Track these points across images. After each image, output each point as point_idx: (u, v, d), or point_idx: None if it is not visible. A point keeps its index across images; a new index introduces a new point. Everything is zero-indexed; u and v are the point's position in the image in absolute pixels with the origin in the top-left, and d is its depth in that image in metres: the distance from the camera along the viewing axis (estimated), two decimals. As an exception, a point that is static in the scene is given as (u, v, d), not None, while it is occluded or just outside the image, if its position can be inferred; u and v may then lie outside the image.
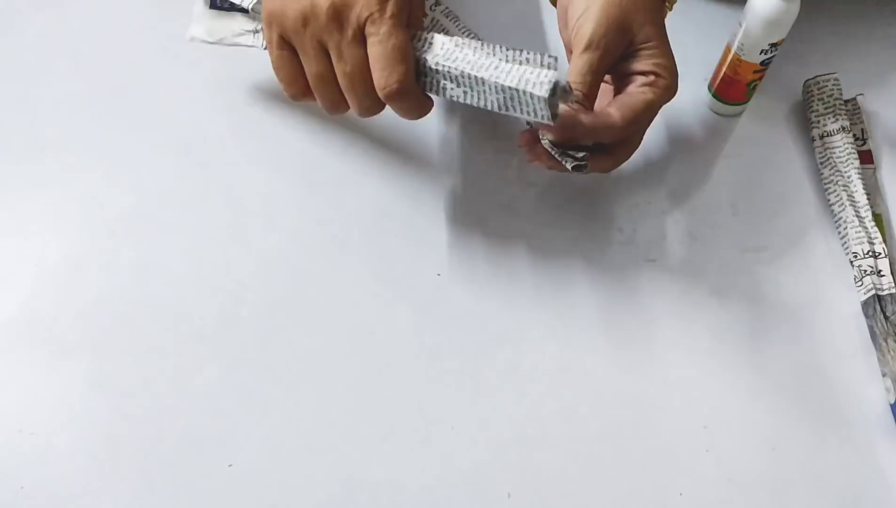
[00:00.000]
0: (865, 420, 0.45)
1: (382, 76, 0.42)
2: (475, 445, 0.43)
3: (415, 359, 0.46)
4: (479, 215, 0.51)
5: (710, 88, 0.55)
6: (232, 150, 0.52)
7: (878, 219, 0.51)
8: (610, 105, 0.45)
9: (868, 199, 0.51)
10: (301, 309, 0.47)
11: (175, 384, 0.44)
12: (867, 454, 0.44)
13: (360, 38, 0.42)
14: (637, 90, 0.45)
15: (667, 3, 0.49)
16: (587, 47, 0.44)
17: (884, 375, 0.46)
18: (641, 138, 0.48)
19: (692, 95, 0.56)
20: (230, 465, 0.42)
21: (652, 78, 0.45)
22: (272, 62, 0.46)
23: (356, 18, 0.42)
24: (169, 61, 0.55)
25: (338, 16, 0.42)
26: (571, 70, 0.45)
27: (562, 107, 0.43)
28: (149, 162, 0.52)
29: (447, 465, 0.43)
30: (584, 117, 0.44)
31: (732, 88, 0.53)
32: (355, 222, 0.50)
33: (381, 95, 0.43)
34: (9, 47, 0.56)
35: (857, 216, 0.50)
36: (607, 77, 0.47)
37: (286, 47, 0.45)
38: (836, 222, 0.51)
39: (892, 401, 0.45)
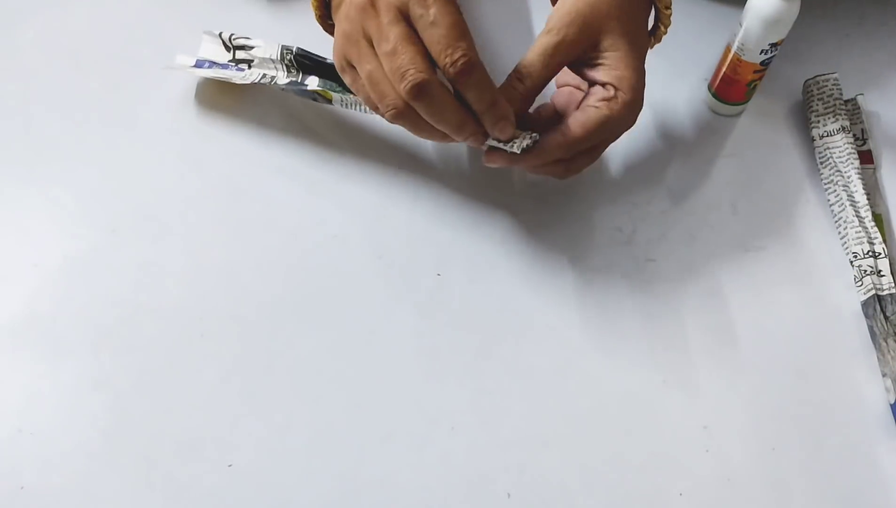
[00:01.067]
0: (865, 420, 0.45)
1: (447, 54, 0.40)
2: (475, 445, 0.43)
3: (415, 359, 0.46)
4: (479, 215, 0.51)
5: (710, 88, 0.55)
6: (231, 149, 0.52)
7: (878, 219, 0.51)
8: (569, 118, 0.44)
9: (868, 199, 0.51)
10: (301, 309, 0.47)
11: (175, 384, 0.44)
12: (867, 454, 0.44)
13: (400, 18, 0.41)
14: (594, 105, 0.44)
15: (658, 31, 0.48)
16: (547, 32, 0.44)
17: (884, 375, 0.46)
18: (601, 152, 0.47)
19: (692, 95, 0.56)
20: (230, 465, 0.42)
21: (611, 92, 0.44)
22: (361, 98, 0.45)
23: (395, 3, 0.40)
24: (169, 61, 0.55)
25: (374, 4, 0.41)
26: (528, 51, 0.44)
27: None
28: (148, 162, 0.52)
29: (447, 465, 0.43)
30: (542, 140, 0.44)
31: (732, 87, 0.53)
32: (355, 222, 0.50)
33: (450, 73, 0.40)
34: (9, 47, 0.56)
35: (857, 216, 0.50)
36: (579, 83, 0.47)
37: (353, 71, 0.44)
38: (836, 222, 0.51)
39: (892, 401, 0.45)
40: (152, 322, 0.46)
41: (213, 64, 0.53)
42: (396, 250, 0.49)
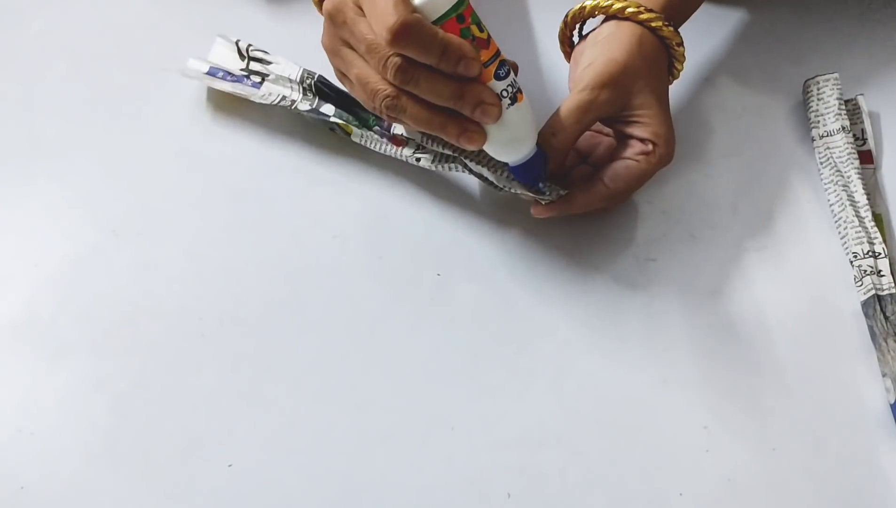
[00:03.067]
0: (865, 420, 0.45)
1: (381, 21, 0.39)
2: (475, 445, 0.43)
3: (415, 359, 0.46)
4: (479, 215, 0.51)
5: None
6: (232, 150, 0.52)
7: (878, 219, 0.51)
8: (603, 174, 0.47)
9: (868, 199, 0.51)
10: (301, 309, 0.47)
11: (175, 384, 0.44)
12: (867, 454, 0.44)
13: (361, 15, 0.42)
14: (632, 159, 0.47)
15: (674, 70, 0.50)
16: (581, 90, 0.46)
17: (884, 375, 0.46)
18: (629, 197, 0.50)
19: (691, 96, 0.56)
20: (230, 465, 0.42)
21: (649, 147, 0.47)
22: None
23: (351, 2, 0.42)
24: (169, 61, 0.55)
25: (337, 10, 0.42)
26: (562, 106, 0.46)
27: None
28: (148, 162, 0.52)
29: (447, 465, 0.43)
30: (579, 194, 0.47)
31: None
32: (355, 222, 0.50)
33: (388, 39, 0.39)
34: (9, 47, 0.56)
35: (857, 216, 0.50)
36: (600, 127, 0.50)
37: (347, 80, 0.45)
38: (836, 222, 0.51)
39: (892, 401, 0.45)
40: (152, 322, 0.46)
41: (226, 74, 0.52)
42: (396, 250, 0.49)
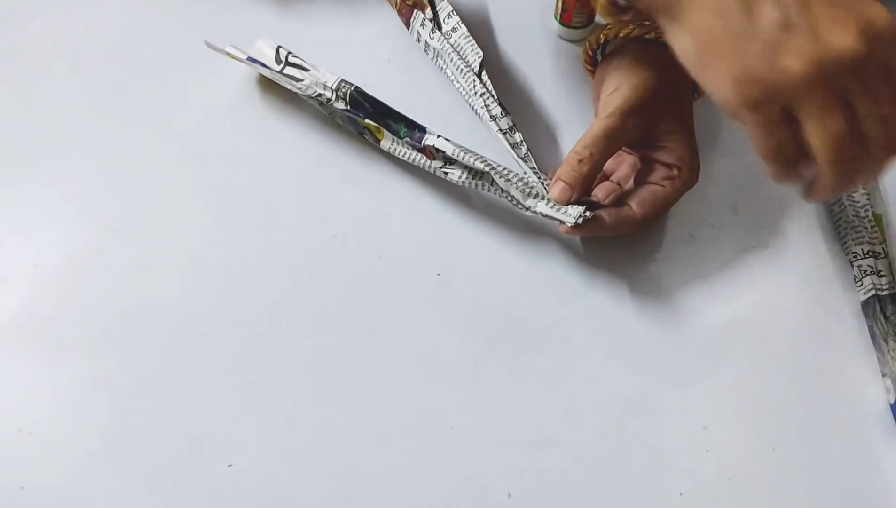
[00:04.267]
0: (865, 420, 0.45)
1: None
2: (475, 445, 0.43)
3: (415, 359, 0.46)
4: (479, 215, 0.51)
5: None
6: (232, 150, 0.52)
7: (878, 219, 0.51)
8: (631, 199, 0.47)
9: (868, 199, 0.51)
10: (301, 309, 0.47)
11: (175, 384, 0.44)
12: (867, 454, 0.44)
13: (893, 74, 0.34)
14: (657, 184, 0.47)
15: (696, 95, 0.50)
16: (608, 115, 0.46)
17: (884, 375, 0.46)
18: (657, 222, 0.50)
19: (692, 95, 0.56)
20: (230, 465, 0.42)
21: (675, 172, 0.47)
22: (765, 147, 0.36)
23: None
24: (169, 61, 0.55)
25: (871, 52, 0.33)
26: (589, 132, 0.46)
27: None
28: (148, 162, 0.52)
29: (447, 465, 0.43)
30: (606, 216, 0.46)
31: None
32: (355, 222, 0.50)
33: (879, 157, 0.35)
34: (9, 47, 0.56)
35: (857, 216, 0.50)
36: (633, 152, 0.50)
37: (784, 123, 0.35)
38: (836, 222, 0.51)
39: (892, 401, 0.45)
40: (152, 322, 0.46)
41: (264, 67, 0.52)
42: (396, 250, 0.49)
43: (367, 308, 0.47)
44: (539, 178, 0.48)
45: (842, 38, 0.33)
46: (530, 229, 0.50)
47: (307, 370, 0.45)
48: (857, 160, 0.35)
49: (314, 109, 0.54)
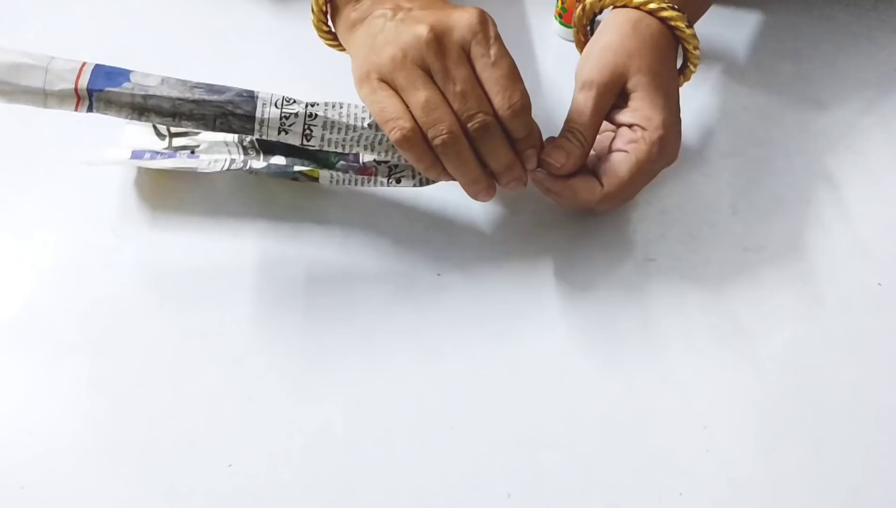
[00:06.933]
0: (865, 420, 0.45)
1: (505, 95, 0.42)
2: (475, 445, 0.43)
3: (414, 359, 0.46)
4: (479, 215, 0.51)
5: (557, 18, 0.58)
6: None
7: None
8: (600, 168, 0.46)
9: None
10: (301, 309, 0.47)
11: (175, 385, 0.44)
12: (867, 454, 0.44)
13: (465, 59, 0.42)
14: (622, 149, 0.45)
15: (687, 70, 0.49)
16: (581, 87, 0.46)
17: (884, 375, 0.46)
18: (637, 191, 0.48)
19: (691, 94, 0.56)
20: (230, 465, 0.42)
21: (639, 133, 0.45)
22: (375, 110, 0.43)
23: (459, 40, 0.42)
24: (168, 61, 0.55)
25: (440, 39, 0.42)
26: (570, 108, 0.46)
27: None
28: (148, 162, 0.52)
29: (447, 465, 0.43)
30: (576, 187, 0.46)
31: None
32: (355, 222, 0.50)
33: (507, 113, 0.42)
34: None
35: None
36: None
37: (387, 88, 0.43)
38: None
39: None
40: (152, 322, 0.46)
41: (154, 154, 0.48)
42: (396, 250, 0.49)
43: (366, 308, 0.47)
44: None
45: (418, 29, 0.42)
46: (530, 229, 0.50)
47: (307, 369, 0.45)
48: (453, 133, 0.42)
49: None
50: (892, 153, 0.55)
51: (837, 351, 0.47)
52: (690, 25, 0.47)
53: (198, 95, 0.43)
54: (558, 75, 0.57)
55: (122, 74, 0.43)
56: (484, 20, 0.42)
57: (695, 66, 0.49)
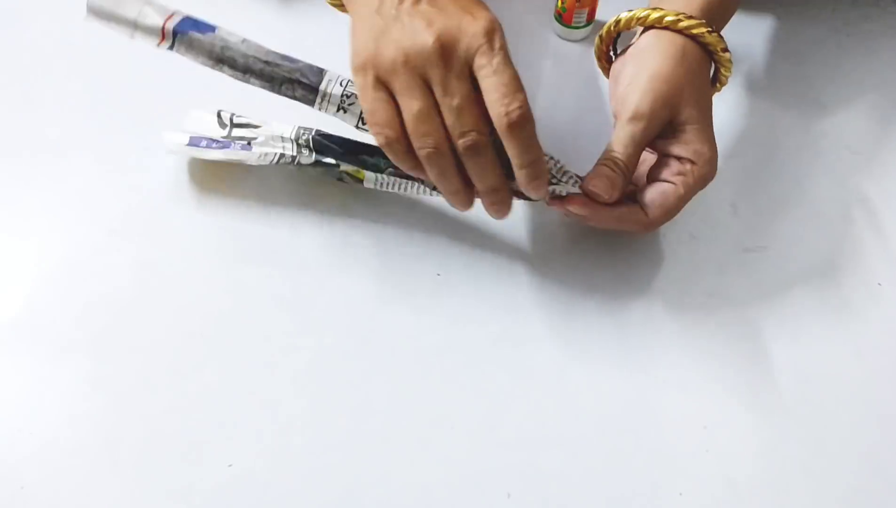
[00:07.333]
0: (865, 420, 0.45)
1: (504, 103, 0.40)
2: (475, 445, 0.43)
3: (415, 359, 0.46)
4: (479, 215, 0.51)
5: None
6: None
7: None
8: (642, 200, 0.45)
9: None
10: (300, 309, 0.47)
11: (175, 384, 0.44)
12: (867, 454, 0.44)
13: (467, 74, 0.41)
14: (670, 183, 0.45)
15: (718, 85, 0.48)
16: (631, 118, 0.44)
17: (884, 375, 0.46)
18: (668, 221, 0.48)
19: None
20: (230, 465, 0.42)
21: (688, 166, 0.45)
22: (366, 108, 0.43)
23: (464, 52, 0.41)
24: (168, 62, 0.55)
25: (445, 50, 0.41)
26: (614, 138, 0.45)
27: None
28: (148, 162, 0.52)
29: (447, 465, 0.43)
30: (615, 213, 0.45)
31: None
32: (355, 223, 0.50)
33: (504, 122, 0.41)
34: (9, 47, 0.56)
35: None
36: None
37: (382, 89, 0.42)
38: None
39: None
40: (153, 322, 0.46)
41: (210, 141, 0.50)
42: (396, 250, 0.49)
43: (366, 308, 0.47)
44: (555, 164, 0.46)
45: (424, 36, 0.40)
46: (530, 230, 0.50)
47: (306, 369, 0.45)
48: (439, 149, 0.42)
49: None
50: (893, 153, 0.55)
51: (837, 351, 0.47)
52: (712, 29, 0.46)
53: (271, 58, 0.45)
54: (557, 75, 0.57)
55: (208, 27, 0.46)
56: (492, 30, 0.41)
57: (728, 70, 0.48)
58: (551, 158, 0.46)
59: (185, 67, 0.48)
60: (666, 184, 0.45)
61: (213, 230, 0.49)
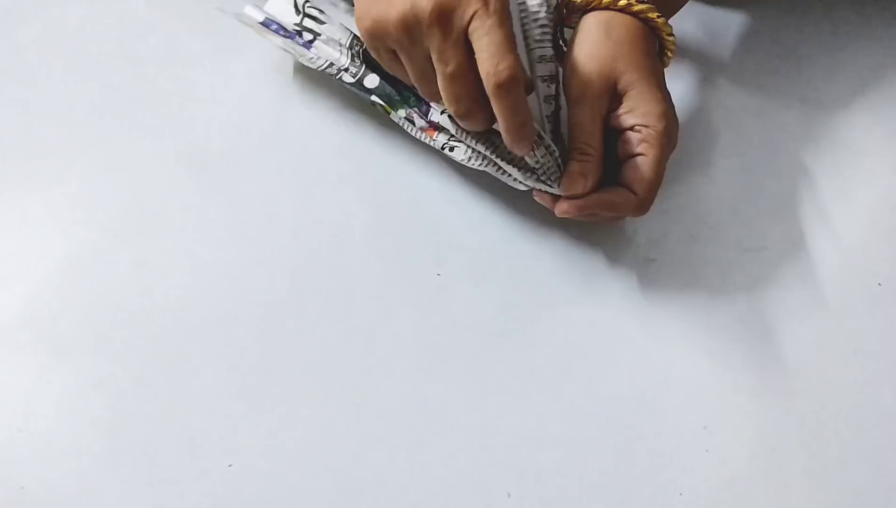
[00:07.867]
0: (865, 420, 0.45)
1: (493, 63, 0.41)
2: (475, 445, 0.43)
3: (415, 359, 0.46)
4: (478, 215, 0.51)
5: None
6: (231, 149, 0.52)
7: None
8: (623, 179, 0.46)
9: None
10: (301, 309, 0.47)
11: (175, 384, 0.44)
12: (867, 454, 0.44)
13: (464, 41, 0.42)
14: (638, 156, 0.45)
15: (665, 58, 0.49)
16: (574, 103, 0.45)
17: (884, 375, 0.46)
18: (661, 183, 0.47)
19: (692, 96, 0.56)
20: (230, 465, 0.42)
21: (645, 131, 0.45)
22: (388, 68, 0.46)
23: (461, 19, 0.41)
24: (168, 61, 0.55)
25: (442, 17, 0.41)
26: (569, 125, 0.46)
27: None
28: (148, 162, 0.52)
29: (447, 465, 0.43)
30: (609, 198, 0.45)
31: None
32: (355, 222, 0.50)
33: (491, 81, 0.41)
34: (9, 47, 0.56)
35: None
36: None
37: (388, 51, 0.44)
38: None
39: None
40: (152, 322, 0.46)
41: (280, 28, 0.52)
42: (396, 250, 0.49)
43: (366, 308, 0.47)
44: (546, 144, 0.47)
45: (423, 4, 0.41)
46: (530, 229, 0.50)
47: (307, 369, 0.45)
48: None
49: (313, 107, 0.54)
50: (892, 153, 0.55)
51: (837, 351, 0.47)
52: (660, 14, 0.46)
53: None
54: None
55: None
56: None
57: (671, 52, 0.48)
58: (554, 150, 0.46)
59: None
60: (636, 158, 0.45)
61: (213, 230, 0.49)
